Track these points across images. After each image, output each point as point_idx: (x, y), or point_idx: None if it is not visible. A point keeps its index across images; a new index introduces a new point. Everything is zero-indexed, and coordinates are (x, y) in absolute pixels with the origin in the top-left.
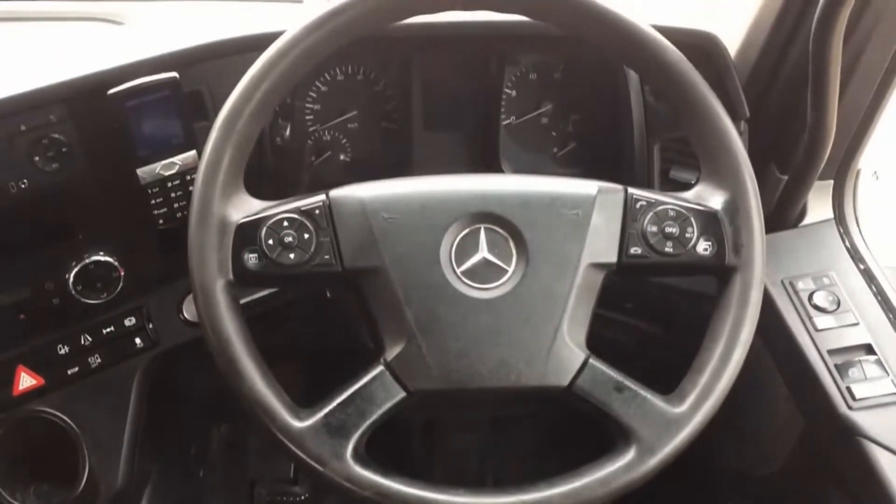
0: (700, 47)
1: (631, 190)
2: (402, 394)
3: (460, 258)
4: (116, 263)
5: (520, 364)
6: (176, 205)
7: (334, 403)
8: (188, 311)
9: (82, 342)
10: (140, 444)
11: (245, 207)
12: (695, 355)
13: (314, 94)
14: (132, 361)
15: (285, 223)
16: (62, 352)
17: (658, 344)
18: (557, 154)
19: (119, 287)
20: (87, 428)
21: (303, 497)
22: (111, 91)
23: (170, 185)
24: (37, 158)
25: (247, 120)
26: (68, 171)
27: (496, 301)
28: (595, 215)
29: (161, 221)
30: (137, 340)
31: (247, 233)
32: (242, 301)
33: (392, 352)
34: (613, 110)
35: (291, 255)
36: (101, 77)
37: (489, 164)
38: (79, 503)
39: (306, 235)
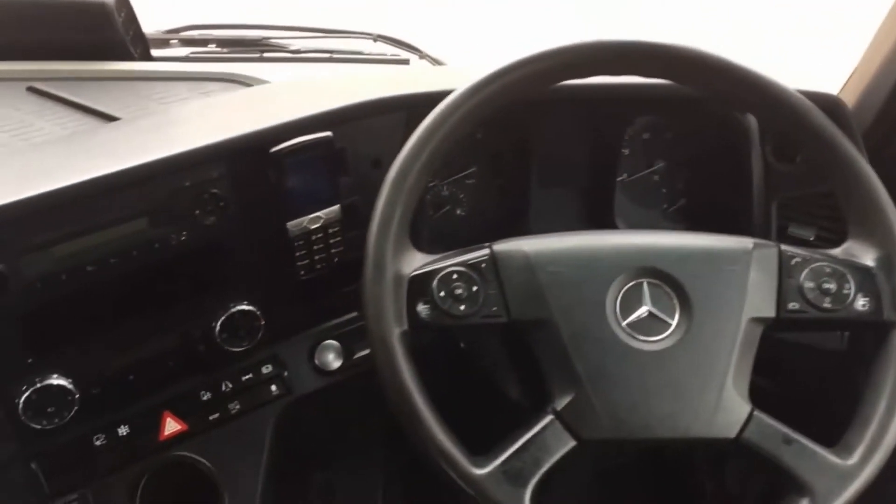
0: (824, 109)
1: (784, 247)
2: (573, 443)
3: (625, 311)
4: (259, 313)
5: (688, 416)
6: (317, 257)
7: (510, 451)
8: (319, 360)
9: (223, 389)
10: (270, 490)
11: (413, 261)
12: (810, 408)
13: None
14: (268, 408)
15: (454, 276)
16: (205, 398)
17: (768, 396)
18: (668, 210)
19: (259, 336)
20: (227, 473)
21: None
22: (273, 149)
23: (313, 237)
24: (197, 212)
25: (416, 176)
26: (224, 225)
27: (663, 353)
28: (752, 271)
29: (302, 273)
30: (273, 388)
31: (419, 285)
32: (362, 353)
33: (561, 402)
34: (728, 168)
35: (461, 307)
36: (263, 135)
37: (602, 219)
38: None
39: (474, 288)
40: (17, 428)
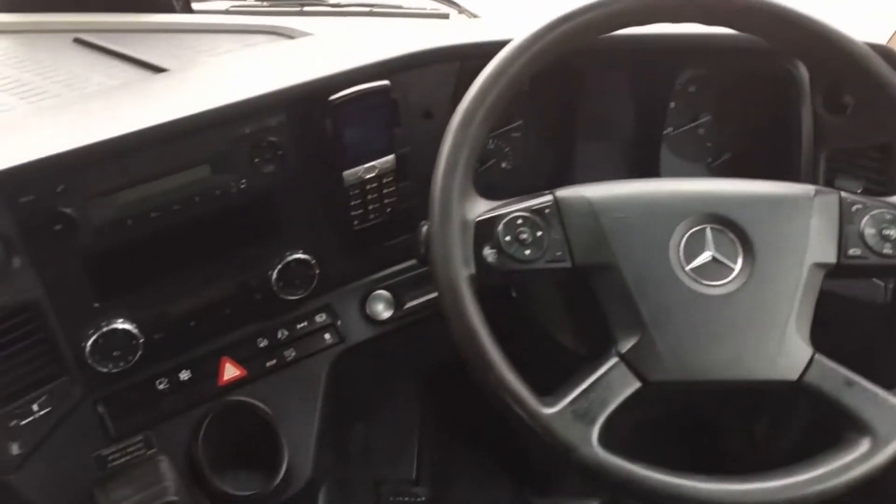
0: None
1: (844, 193)
2: (638, 384)
3: (689, 256)
4: (314, 262)
5: (751, 358)
6: (370, 207)
7: (577, 392)
8: (370, 310)
9: (279, 336)
10: (324, 435)
11: (477, 207)
12: (856, 359)
13: None
14: (321, 356)
15: (519, 221)
16: (262, 345)
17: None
18: (712, 164)
19: (314, 285)
20: (283, 417)
21: (423, 498)
22: (332, 97)
23: (368, 187)
24: (256, 160)
25: (479, 123)
26: (282, 173)
27: (726, 298)
28: (814, 217)
29: (356, 223)
30: (327, 336)
31: (485, 230)
32: (413, 303)
33: (625, 344)
34: (775, 121)
35: (527, 252)
36: (322, 84)
37: (648, 173)
38: (276, 491)
39: (539, 233)
40: (84, 371)
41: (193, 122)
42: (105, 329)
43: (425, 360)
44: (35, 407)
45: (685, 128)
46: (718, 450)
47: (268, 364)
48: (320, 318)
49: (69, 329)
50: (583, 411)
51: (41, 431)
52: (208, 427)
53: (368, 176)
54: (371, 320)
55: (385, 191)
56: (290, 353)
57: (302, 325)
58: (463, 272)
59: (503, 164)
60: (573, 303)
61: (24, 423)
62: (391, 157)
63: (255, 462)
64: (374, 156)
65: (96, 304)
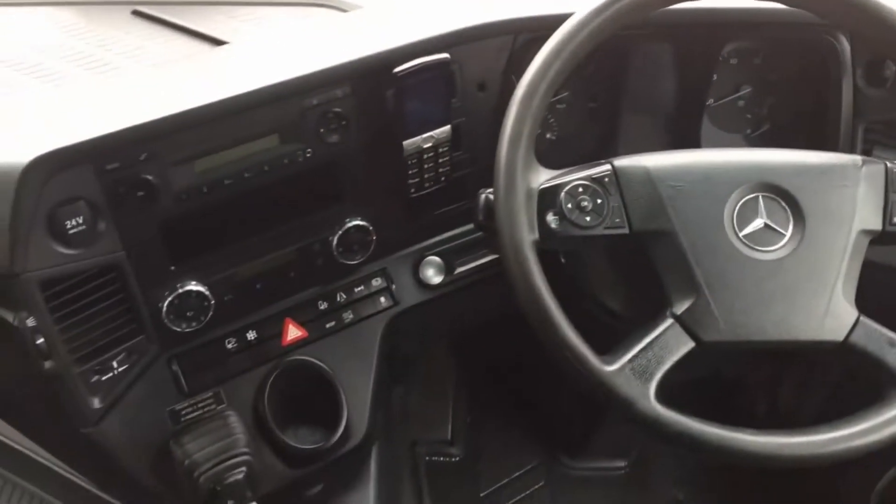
0: None
1: (889, 164)
2: (692, 344)
3: (742, 223)
4: (371, 228)
5: (800, 320)
6: (426, 175)
7: (635, 350)
8: (422, 275)
9: (338, 299)
10: (379, 394)
11: (539, 175)
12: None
13: None
14: (377, 318)
15: (580, 189)
16: (322, 307)
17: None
18: (751, 135)
19: (370, 250)
20: (342, 378)
21: (457, 458)
22: (397, 69)
23: (425, 157)
24: (322, 130)
25: (542, 95)
26: (346, 143)
27: (777, 263)
28: (861, 186)
29: (412, 191)
30: (382, 299)
31: (547, 197)
32: (462, 269)
33: (680, 306)
34: (814, 93)
35: (587, 218)
36: (387, 56)
37: (688, 143)
38: (335, 446)
39: (598, 200)
40: (160, 331)
41: (265, 93)
42: (180, 290)
43: (460, 326)
44: (114, 364)
45: (726, 99)
46: (745, 411)
47: (327, 325)
48: (376, 282)
49: (147, 290)
50: (641, 369)
51: (120, 387)
52: (273, 384)
53: (426, 146)
54: (423, 285)
55: (440, 160)
56: (348, 316)
57: (359, 288)
58: (528, 237)
59: (548, 135)
60: (622, 268)
61: (104, 378)
62: (447, 127)
63: (314, 419)
64: (432, 126)
65: (172, 267)
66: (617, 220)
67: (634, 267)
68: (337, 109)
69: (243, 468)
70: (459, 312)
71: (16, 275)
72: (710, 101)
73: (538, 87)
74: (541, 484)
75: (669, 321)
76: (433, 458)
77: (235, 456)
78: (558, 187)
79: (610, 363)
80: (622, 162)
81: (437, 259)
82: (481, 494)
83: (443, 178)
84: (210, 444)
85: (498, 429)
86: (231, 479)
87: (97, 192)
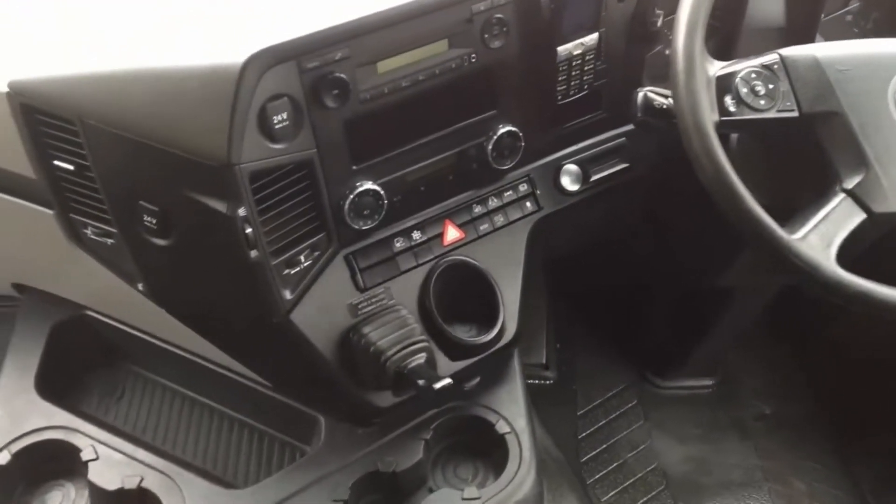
0: None
1: None
2: (864, 216)
3: None
4: (521, 134)
5: None
6: (573, 83)
7: (814, 221)
8: (562, 182)
9: (490, 203)
10: (525, 294)
11: (712, 65)
12: None
13: None
14: (523, 222)
15: (753, 75)
16: (476, 210)
17: None
18: None
19: (519, 156)
20: (497, 274)
21: (552, 381)
22: None
23: (573, 63)
24: (486, 36)
25: None
26: (506, 49)
27: None
28: None
29: (559, 97)
30: (528, 204)
31: (724, 82)
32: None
33: (851, 181)
34: None
35: (761, 102)
36: None
37: None
38: (491, 341)
39: (770, 85)
40: (339, 228)
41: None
42: (359, 189)
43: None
44: (302, 258)
45: (835, 14)
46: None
47: (481, 227)
48: (523, 187)
49: (333, 188)
50: (821, 236)
51: (306, 281)
52: (436, 281)
53: (576, 52)
54: (562, 191)
55: (586, 68)
56: (499, 219)
57: (508, 192)
58: (711, 118)
59: (667, 52)
60: (771, 161)
61: (293, 272)
62: (595, 34)
63: (467, 317)
64: (583, 33)
65: (353, 167)
66: (788, 103)
67: (790, 155)
68: (499, 15)
69: (423, 353)
70: (592, 220)
71: (231, 165)
72: (822, 16)
73: None
74: (633, 403)
75: (841, 195)
76: (531, 382)
77: (415, 343)
78: (733, 74)
79: (793, 232)
80: (788, 51)
81: (574, 167)
82: (578, 413)
83: (585, 87)
84: (390, 332)
85: (590, 352)
86: (414, 364)
87: (298, 90)
